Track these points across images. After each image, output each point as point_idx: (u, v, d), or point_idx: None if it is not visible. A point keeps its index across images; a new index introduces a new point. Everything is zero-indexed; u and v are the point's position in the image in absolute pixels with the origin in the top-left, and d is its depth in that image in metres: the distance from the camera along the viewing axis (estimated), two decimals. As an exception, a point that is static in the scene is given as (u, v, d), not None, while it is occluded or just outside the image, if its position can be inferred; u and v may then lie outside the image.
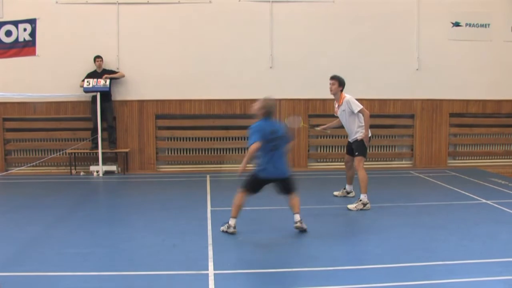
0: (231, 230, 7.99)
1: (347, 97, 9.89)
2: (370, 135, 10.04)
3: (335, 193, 10.87)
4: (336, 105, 10.15)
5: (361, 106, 9.80)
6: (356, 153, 9.94)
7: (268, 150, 7.79)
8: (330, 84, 9.98)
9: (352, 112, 9.83)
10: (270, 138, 7.77)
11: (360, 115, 9.82)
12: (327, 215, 9.46)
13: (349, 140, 10.20)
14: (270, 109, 8.00)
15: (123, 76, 13.81)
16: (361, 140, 9.88)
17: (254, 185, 7.98)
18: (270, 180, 7.96)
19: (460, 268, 6.53)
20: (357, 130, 9.92)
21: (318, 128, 11.14)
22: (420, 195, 11.22)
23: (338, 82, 9.93)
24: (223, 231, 8.06)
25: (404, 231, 8.36)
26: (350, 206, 9.70)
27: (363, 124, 9.84)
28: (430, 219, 9.05)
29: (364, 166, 10.10)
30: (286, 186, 8.03)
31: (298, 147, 14.45)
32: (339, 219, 9.16)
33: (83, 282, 6.09)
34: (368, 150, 10.11)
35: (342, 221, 9.07)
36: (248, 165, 7.72)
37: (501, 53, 14.97)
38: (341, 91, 9.97)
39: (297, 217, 8.06)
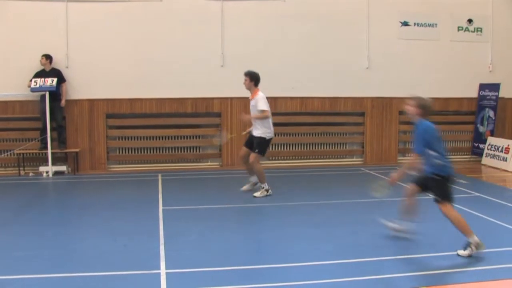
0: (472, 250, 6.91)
1: (259, 95, 10.55)
2: (270, 136, 10.61)
3: (243, 188, 11.07)
4: (250, 99, 10.79)
5: (265, 108, 10.41)
6: (256, 150, 10.47)
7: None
8: (243, 80, 10.70)
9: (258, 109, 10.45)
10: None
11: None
12: (278, 212, 9.52)
13: (253, 134, 10.63)
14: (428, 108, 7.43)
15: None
16: (263, 138, 10.47)
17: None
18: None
19: (412, 262, 6.68)
20: (259, 127, 10.51)
21: (245, 132, 11.22)
22: (370, 191, 11.35)
23: (250, 78, 10.62)
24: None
25: (356, 227, 8.47)
26: (256, 194, 10.56)
27: (267, 124, 10.52)
28: (381, 215, 9.18)
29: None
30: None
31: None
32: (291, 217, 9.20)
33: (32, 285, 6.00)
34: (266, 150, 10.78)
35: (294, 218, 9.11)
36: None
37: (448, 52, 15.32)
38: (255, 85, 10.67)
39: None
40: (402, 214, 7.61)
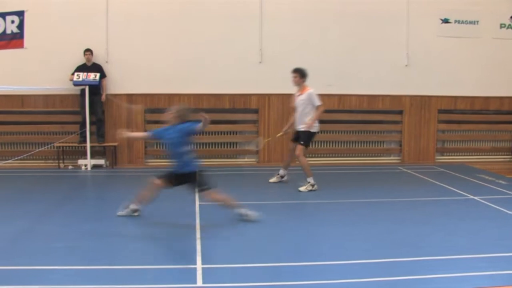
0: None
1: (310, 90, 10.90)
2: (317, 130, 11.10)
3: (271, 180, 11.75)
4: (297, 94, 11.09)
5: (321, 103, 10.86)
6: (302, 142, 10.89)
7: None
8: (292, 76, 11.01)
9: (311, 105, 10.83)
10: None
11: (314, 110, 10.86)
12: (313, 210, 9.50)
13: (299, 128, 11.02)
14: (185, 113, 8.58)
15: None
16: (309, 132, 10.89)
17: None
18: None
19: (447, 263, 6.58)
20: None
21: (280, 134, 11.88)
22: (407, 190, 11.26)
23: (300, 74, 10.98)
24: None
25: (391, 226, 8.40)
26: (301, 188, 10.81)
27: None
28: (417, 214, 9.10)
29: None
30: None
31: (287, 142, 14.44)
32: (326, 214, 9.18)
33: (71, 275, 6.08)
34: (310, 145, 11.36)
35: (329, 216, 9.09)
36: None
37: (489, 50, 15.05)
38: (303, 82, 11.00)
39: None
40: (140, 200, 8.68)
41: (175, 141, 8.31)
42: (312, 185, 10.80)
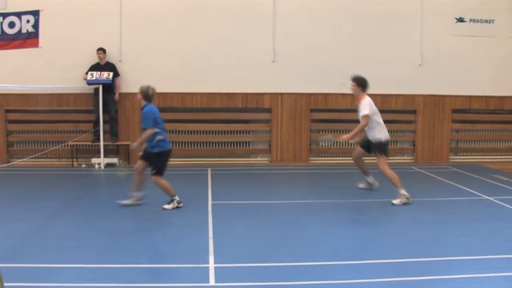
0: None
1: (364, 99, 10.04)
2: (385, 139, 10.02)
3: (360, 185, 11.04)
4: (357, 104, 10.30)
5: (366, 113, 9.83)
6: (378, 154, 10.05)
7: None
8: (350, 85, 10.23)
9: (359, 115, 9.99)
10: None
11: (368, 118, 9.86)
12: (326, 209, 9.47)
13: (369, 138, 10.14)
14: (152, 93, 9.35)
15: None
16: (379, 141, 9.96)
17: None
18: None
19: (460, 264, 6.54)
20: (372, 131, 10.02)
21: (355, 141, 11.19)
22: (421, 190, 11.19)
23: (357, 83, 10.17)
24: None
25: (405, 226, 8.37)
26: (395, 201, 9.67)
27: (378, 124, 9.99)
28: (430, 214, 9.05)
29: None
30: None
31: (300, 142, 14.44)
32: (339, 214, 9.15)
33: (82, 273, 6.10)
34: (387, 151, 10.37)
35: (341, 216, 9.06)
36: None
37: (504, 49, 14.91)
38: (362, 90, 10.16)
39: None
40: (133, 187, 9.34)
41: (142, 123, 9.14)
42: (407, 197, 9.65)
